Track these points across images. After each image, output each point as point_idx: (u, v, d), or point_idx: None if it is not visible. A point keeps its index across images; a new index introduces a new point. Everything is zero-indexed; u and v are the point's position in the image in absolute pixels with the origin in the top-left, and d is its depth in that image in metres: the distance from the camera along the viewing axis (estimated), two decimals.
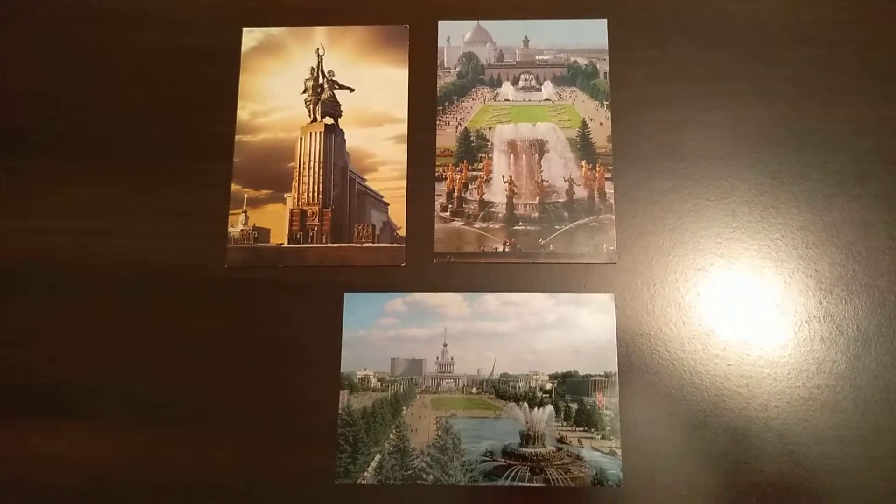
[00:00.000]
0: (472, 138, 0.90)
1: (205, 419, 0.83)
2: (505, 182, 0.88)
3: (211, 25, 0.94)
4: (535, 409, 0.81)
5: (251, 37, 0.93)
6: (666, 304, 0.84)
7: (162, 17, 0.95)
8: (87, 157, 0.91)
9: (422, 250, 0.86)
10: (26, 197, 0.90)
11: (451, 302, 0.84)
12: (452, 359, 0.83)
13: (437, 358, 0.83)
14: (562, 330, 0.83)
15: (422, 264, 0.86)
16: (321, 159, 0.90)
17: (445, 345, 0.83)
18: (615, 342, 0.82)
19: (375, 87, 0.91)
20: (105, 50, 0.94)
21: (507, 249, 0.86)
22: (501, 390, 0.82)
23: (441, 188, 0.88)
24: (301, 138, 0.91)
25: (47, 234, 0.89)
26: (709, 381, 0.82)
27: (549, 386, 0.81)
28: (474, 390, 0.82)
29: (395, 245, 0.87)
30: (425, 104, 0.91)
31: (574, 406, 0.81)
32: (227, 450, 0.82)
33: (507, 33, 0.93)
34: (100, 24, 0.95)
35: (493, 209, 0.88)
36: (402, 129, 0.90)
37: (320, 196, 0.89)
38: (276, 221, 0.88)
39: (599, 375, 0.81)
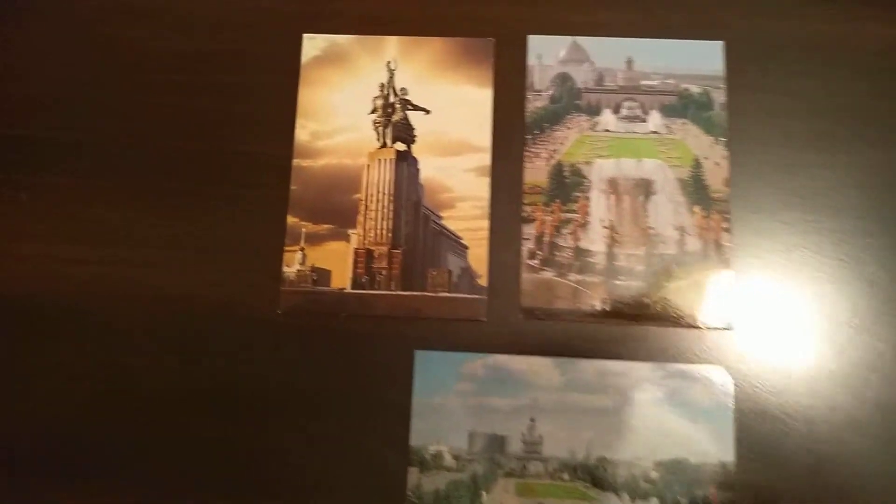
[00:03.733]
0: (566, 174, 0.77)
1: (247, 489, 0.72)
2: (605, 227, 0.76)
3: (266, 30, 0.82)
4: (638, 501, 0.69)
5: (313, 45, 0.81)
6: (793, 381, 0.72)
7: (208, 18, 0.83)
8: (119, 175, 0.79)
9: (506, 304, 0.74)
10: (46, 220, 0.79)
11: (539, 367, 0.72)
12: (541, 437, 0.71)
13: (523, 435, 0.71)
14: (670, 407, 0.71)
15: (506, 320, 0.74)
16: (391, 191, 0.78)
17: (533, 419, 0.71)
18: (732, 425, 0.70)
19: (455, 109, 0.79)
20: (139, 55, 0.82)
21: (605, 308, 0.74)
22: (598, 477, 0.70)
23: (529, 231, 0.76)
24: (368, 166, 0.79)
25: (69, 264, 0.77)
26: (846, 473, 0.70)
27: (653, 475, 0.69)
28: (566, 476, 0.70)
29: (474, 296, 0.75)
30: (512, 131, 0.79)
31: (683, 501, 0.69)
32: None
33: (609, 53, 0.80)
34: (132, 25, 0.83)
35: (590, 259, 0.75)
36: (485, 159, 0.77)
37: (389, 234, 0.77)
38: (338, 262, 0.76)
39: (713, 464, 0.69)
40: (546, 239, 0.76)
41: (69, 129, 0.81)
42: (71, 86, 0.82)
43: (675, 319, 0.73)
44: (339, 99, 0.80)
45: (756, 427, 0.71)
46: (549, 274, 0.75)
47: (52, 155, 0.80)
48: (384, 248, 0.77)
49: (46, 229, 0.78)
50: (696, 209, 0.76)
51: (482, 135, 0.78)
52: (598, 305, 0.74)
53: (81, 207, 0.79)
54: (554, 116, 0.79)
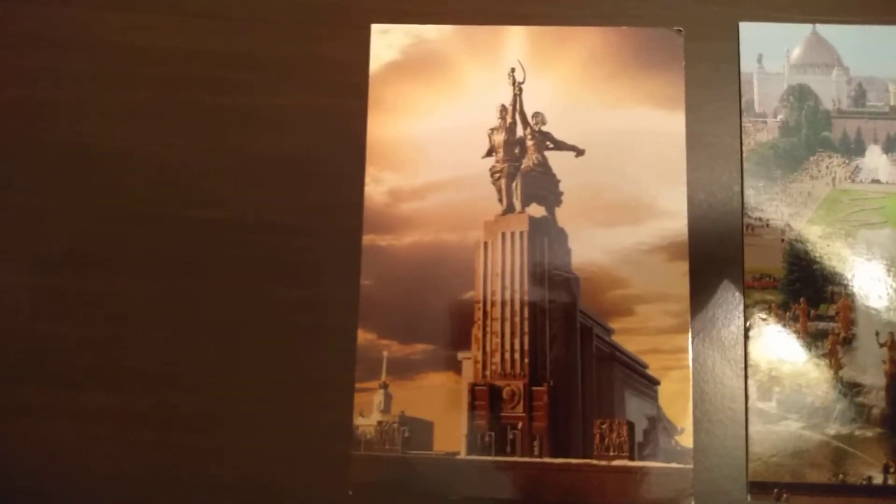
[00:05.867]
0: (813, 254, 0.48)
1: None
2: (881, 346, 0.47)
3: (312, 19, 0.51)
4: None
5: (386, 41, 0.50)
6: None
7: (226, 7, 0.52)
8: (88, 260, 0.49)
9: (725, 476, 0.46)
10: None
11: None
12: None
13: None
14: None
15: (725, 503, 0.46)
16: (525, 286, 0.48)
17: None
18: None
19: (624, 147, 0.49)
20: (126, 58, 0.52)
21: (890, 480, 0.45)
22: None
23: (759, 352, 0.46)
24: (486, 244, 0.49)
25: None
26: None
27: None
28: None
29: (672, 465, 0.46)
30: (721, 183, 0.48)
31: None
32: None
33: (874, 51, 0.49)
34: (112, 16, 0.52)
35: (859, 398, 0.46)
36: (680, 230, 0.48)
37: (527, 361, 0.47)
38: (442, 407, 0.47)
39: None
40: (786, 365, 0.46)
41: (15, 189, 0.51)
42: (22, 110, 0.51)
43: None
44: (433, 133, 0.49)
45: None
46: (793, 423, 0.46)
47: None
48: (519, 385, 0.47)
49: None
50: None
51: (672, 190, 0.48)
52: (879, 477, 0.45)
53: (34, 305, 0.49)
54: (789, 158, 0.49)
